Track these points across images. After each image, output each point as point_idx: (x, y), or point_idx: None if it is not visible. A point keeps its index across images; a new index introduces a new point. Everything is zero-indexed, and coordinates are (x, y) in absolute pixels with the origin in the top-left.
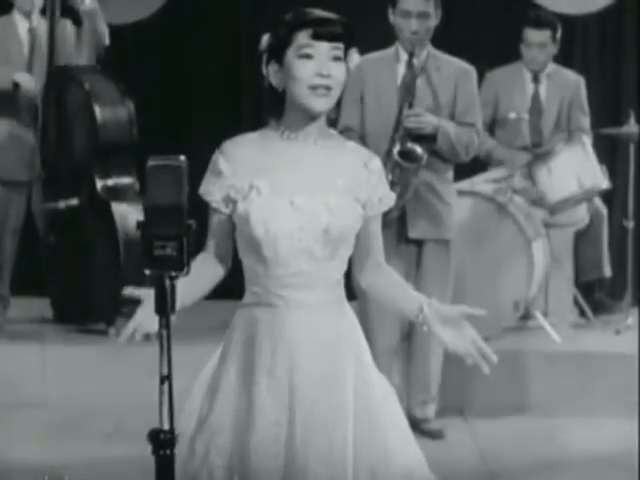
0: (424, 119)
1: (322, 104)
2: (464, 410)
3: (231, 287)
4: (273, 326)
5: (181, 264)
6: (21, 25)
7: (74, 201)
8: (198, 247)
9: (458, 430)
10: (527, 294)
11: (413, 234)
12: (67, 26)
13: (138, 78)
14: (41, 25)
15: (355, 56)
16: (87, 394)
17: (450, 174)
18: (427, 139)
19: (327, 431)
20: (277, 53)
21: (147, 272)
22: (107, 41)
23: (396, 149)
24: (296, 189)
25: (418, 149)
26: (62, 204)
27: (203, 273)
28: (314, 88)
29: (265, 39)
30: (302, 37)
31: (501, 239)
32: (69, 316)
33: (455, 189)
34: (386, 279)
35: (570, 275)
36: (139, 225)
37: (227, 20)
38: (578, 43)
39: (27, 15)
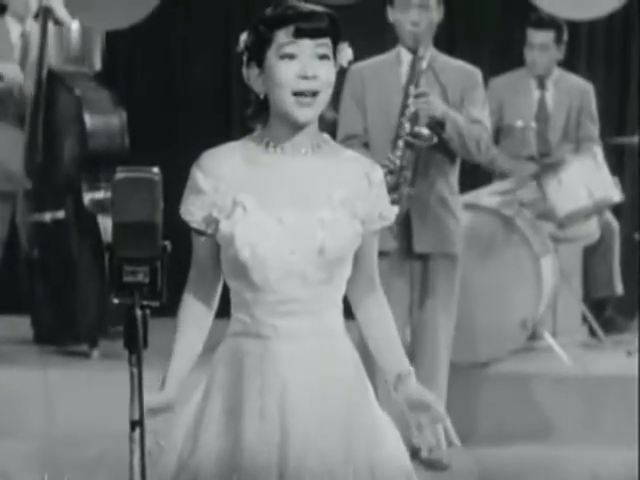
0: (433, 99)
1: (307, 114)
2: (469, 438)
3: (227, 305)
4: (263, 359)
5: (154, 292)
6: (14, 29)
7: (60, 214)
8: (174, 272)
9: (462, 459)
10: (535, 313)
11: (419, 248)
12: (73, 30)
13: (130, 86)
14: (35, 30)
15: (347, 51)
16: (68, 421)
17: (456, 183)
18: (436, 127)
19: (323, 477)
20: (256, 55)
21: (115, 301)
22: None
23: (406, 129)
24: (285, 204)
25: (425, 131)
26: (47, 217)
27: (198, 331)
28: (298, 95)
29: (243, 38)
30: (283, 35)
31: (508, 255)
32: (50, 336)
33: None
34: (378, 320)
35: (579, 292)
36: (107, 247)
37: (219, 26)
38: (583, 49)
39: (21, 19)
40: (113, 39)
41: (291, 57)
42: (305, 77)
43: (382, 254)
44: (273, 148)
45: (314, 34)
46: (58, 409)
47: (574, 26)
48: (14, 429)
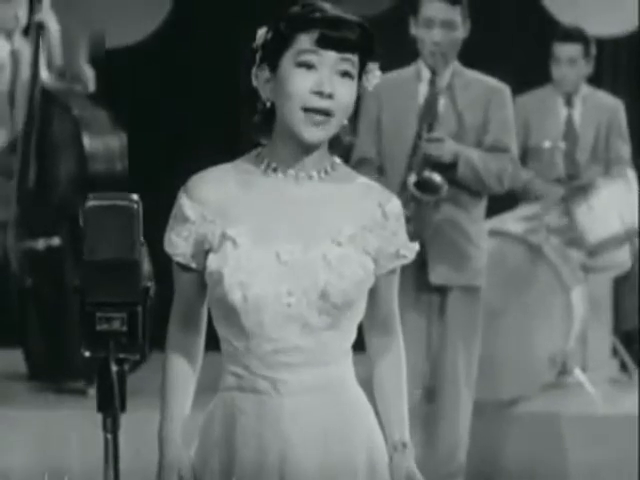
0: (445, 145)
1: (316, 135)
2: None
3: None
4: (259, 418)
5: (134, 343)
6: (3, 47)
7: (54, 240)
8: (159, 319)
9: None
10: (565, 348)
11: (435, 279)
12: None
13: (132, 105)
14: (25, 46)
15: (376, 73)
16: (62, 465)
17: (480, 212)
18: (447, 168)
19: None
20: (271, 56)
21: (86, 354)
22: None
23: (412, 179)
24: (284, 238)
25: (437, 178)
26: (41, 244)
27: (192, 379)
28: (309, 111)
29: (260, 35)
30: (304, 40)
31: (535, 286)
32: (45, 373)
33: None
34: (386, 370)
35: (609, 325)
36: (76, 289)
37: (226, 43)
38: (607, 67)
39: (8, 35)
40: (115, 57)
41: (309, 67)
42: (320, 93)
43: None
44: (273, 171)
45: (340, 46)
46: (52, 451)
47: (598, 41)
48: (8, 469)
